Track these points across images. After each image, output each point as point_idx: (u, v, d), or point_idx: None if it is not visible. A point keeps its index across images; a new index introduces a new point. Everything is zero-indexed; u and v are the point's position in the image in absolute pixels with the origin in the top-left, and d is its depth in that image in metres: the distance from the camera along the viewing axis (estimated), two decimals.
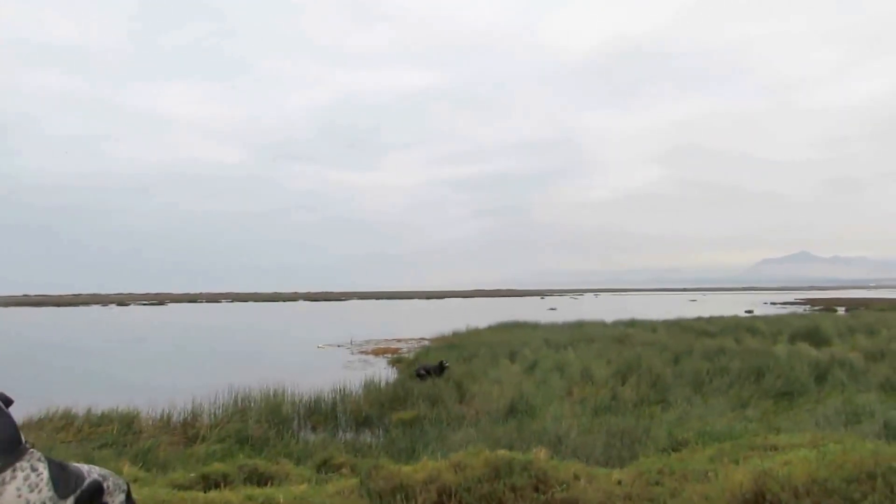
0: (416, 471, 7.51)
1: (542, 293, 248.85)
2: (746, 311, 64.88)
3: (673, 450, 9.91)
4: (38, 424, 15.36)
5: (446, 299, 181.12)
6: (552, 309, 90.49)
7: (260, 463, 9.07)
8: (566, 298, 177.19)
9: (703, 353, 23.65)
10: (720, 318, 46.06)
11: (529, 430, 12.43)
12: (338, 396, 18.46)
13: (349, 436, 15.72)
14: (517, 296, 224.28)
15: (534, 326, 41.97)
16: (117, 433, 14.64)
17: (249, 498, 7.30)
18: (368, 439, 14.98)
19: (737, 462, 7.49)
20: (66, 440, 14.15)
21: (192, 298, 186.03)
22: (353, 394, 19.04)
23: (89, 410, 15.98)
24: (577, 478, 7.21)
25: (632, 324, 42.15)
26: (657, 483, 7.24)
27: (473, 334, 38.12)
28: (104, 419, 15.53)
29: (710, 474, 7.13)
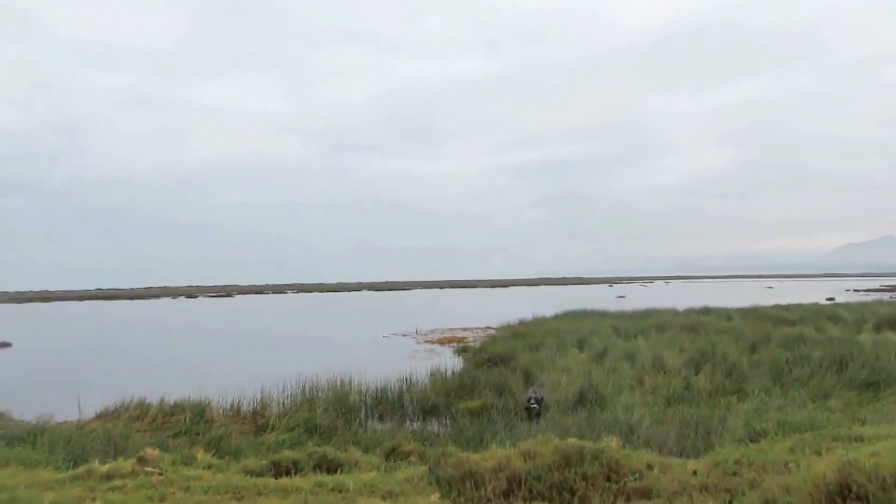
0: (484, 458, 7.47)
1: (609, 280, 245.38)
2: (828, 299, 62.19)
3: (751, 440, 9.58)
4: (115, 414, 16.09)
5: (511, 287, 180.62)
6: (621, 297, 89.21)
7: (329, 451, 9.18)
8: (635, 286, 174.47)
9: (781, 341, 22.80)
10: (799, 306, 44.09)
11: (599, 420, 12.20)
12: (404, 386, 18.58)
13: (416, 425, 15.84)
14: (584, 283, 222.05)
15: (602, 314, 41.19)
16: (189, 422, 15.15)
17: (320, 484, 7.40)
18: (435, 428, 15.05)
19: (819, 453, 7.20)
20: (142, 429, 14.73)
21: (258, 290, 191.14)
22: (420, 383, 19.12)
23: (162, 400, 16.52)
24: (650, 467, 7.06)
25: (705, 311, 40.90)
26: (734, 474, 7.02)
27: (540, 323, 37.54)
28: (177, 408, 16.07)
29: (790, 465, 6.87)
